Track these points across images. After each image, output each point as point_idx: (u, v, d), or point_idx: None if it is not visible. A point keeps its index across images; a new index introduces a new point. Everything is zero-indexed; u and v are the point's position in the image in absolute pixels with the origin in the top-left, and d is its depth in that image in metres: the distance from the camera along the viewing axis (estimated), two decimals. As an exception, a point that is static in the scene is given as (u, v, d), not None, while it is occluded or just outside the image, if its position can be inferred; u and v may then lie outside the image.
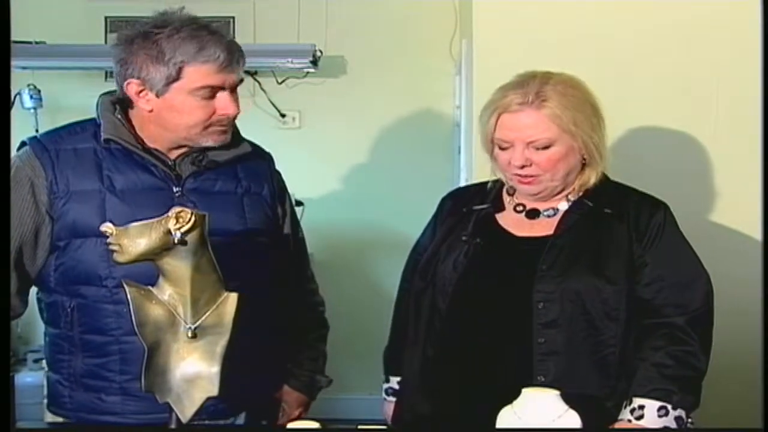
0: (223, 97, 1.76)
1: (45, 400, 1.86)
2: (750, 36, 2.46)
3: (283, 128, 3.88)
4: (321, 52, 3.72)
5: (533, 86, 1.80)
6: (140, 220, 1.48)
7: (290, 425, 1.55)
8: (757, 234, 2.50)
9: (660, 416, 1.71)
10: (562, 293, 1.77)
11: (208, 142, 1.80)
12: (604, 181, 1.87)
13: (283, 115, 3.89)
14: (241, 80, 1.81)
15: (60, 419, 1.83)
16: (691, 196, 2.58)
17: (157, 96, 1.75)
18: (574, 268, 1.78)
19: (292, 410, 1.98)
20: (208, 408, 1.59)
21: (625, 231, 1.81)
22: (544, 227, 1.85)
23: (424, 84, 3.83)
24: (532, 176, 1.81)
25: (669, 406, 1.72)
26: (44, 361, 1.89)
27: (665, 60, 2.58)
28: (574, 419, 1.54)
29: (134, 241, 1.45)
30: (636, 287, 1.79)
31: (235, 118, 1.81)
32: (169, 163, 1.81)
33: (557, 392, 1.56)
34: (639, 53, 2.58)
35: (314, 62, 3.69)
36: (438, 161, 3.76)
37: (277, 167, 2.00)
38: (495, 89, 1.85)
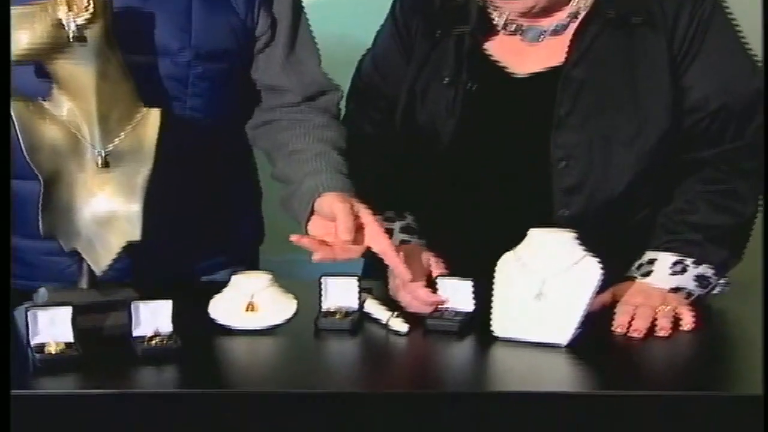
0: None
1: None
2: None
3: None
4: None
5: None
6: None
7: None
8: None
9: (674, 273, 1.38)
10: (589, 145, 1.41)
11: None
12: None
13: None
14: None
15: None
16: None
17: None
18: (602, 107, 1.41)
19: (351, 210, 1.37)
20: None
21: (663, 43, 1.42)
22: (552, 52, 1.45)
23: None
24: None
25: (688, 261, 1.38)
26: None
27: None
28: (592, 267, 1.25)
29: (12, 35, 1.12)
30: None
31: None
32: None
33: (573, 233, 1.27)
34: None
35: None
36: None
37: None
38: None
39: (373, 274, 1.43)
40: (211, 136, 1.44)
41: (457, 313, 1.28)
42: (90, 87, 1.19)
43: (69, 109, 1.21)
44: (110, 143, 1.22)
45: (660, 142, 1.43)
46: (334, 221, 1.27)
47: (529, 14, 1.44)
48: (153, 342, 1.15)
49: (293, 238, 1.27)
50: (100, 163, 1.22)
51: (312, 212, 1.33)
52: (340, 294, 1.29)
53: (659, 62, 1.42)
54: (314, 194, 1.33)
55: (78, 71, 1.18)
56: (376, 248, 1.28)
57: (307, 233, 1.33)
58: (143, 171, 1.23)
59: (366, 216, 1.29)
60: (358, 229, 1.28)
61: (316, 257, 1.27)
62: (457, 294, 1.29)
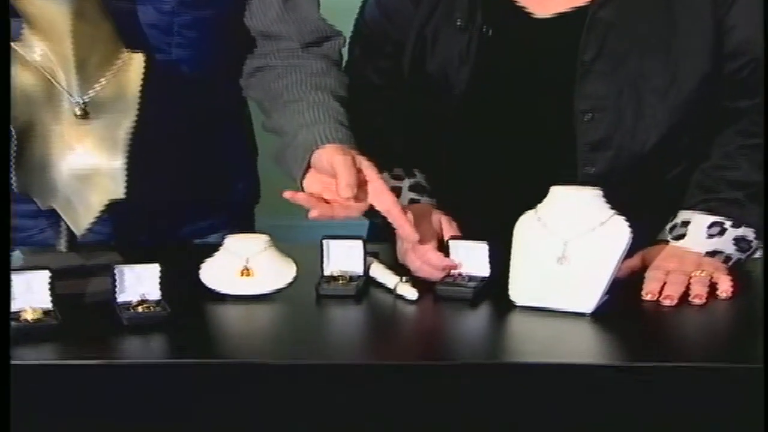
0: None
1: None
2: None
3: None
4: None
5: None
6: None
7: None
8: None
9: (710, 236, 1.30)
10: (618, 95, 1.35)
11: None
12: None
13: None
14: None
15: None
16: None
17: None
18: (632, 54, 1.34)
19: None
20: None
21: None
22: None
23: None
24: None
25: (726, 222, 1.31)
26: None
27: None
28: (620, 228, 1.18)
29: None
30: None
31: None
32: None
33: (599, 191, 1.20)
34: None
35: None
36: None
37: None
38: None
39: (379, 236, 1.37)
40: (199, 90, 1.36)
41: (471, 278, 1.22)
42: (65, 27, 1.12)
43: (42, 52, 1.14)
44: (89, 91, 1.16)
45: (698, 91, 1.35)
46: (333, 176, 1.19)
47: None
48: (139, 309, 1.09)
49: (287, 194, 1.18)
50: (78, 113, 1.16)
51: (308, 166, 1.25)
52: (344, 258, 1.23)
53: None
54: (311, 146, 1.24)
55: (51, 8, 1.11)
56: (380, 207, 1.20)
57: (302, 189, 1.25)
58: (126, 122, 1.16)
59: (369, 171, 1.21)
60: (360, 185, 1.20)
61: (312, 214, 1.19)
62: (471, 258, 1.23)
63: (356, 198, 1.18)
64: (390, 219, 1.21)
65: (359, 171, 1.20)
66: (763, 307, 1.18)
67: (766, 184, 1.30)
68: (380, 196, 1.20)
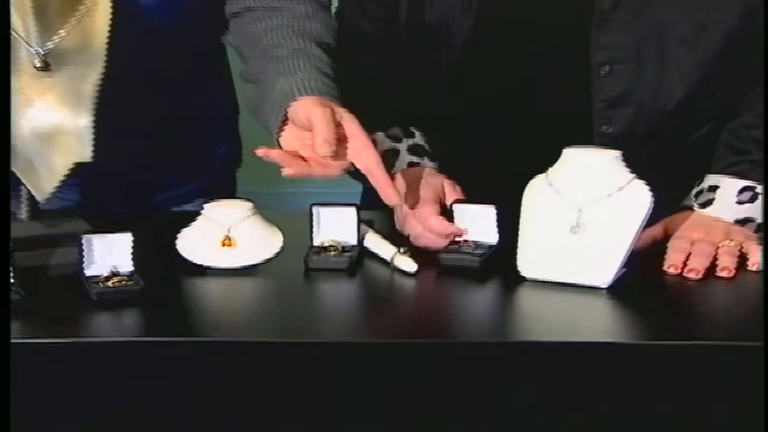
0: None
1: None
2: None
3: None
4: None
5: None
6: None
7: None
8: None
9: (741, 202, 1.25)
10: (638, 45, 1.29)
11: None
12: None
13: None
14: None
15: None
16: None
17: None
18: (655, 2, 1.28)
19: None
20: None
21: None
22: None
23: None
24: None
25: (758, 187, 1.25)
26: None
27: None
28: (640, 194, 1.12)
29: None
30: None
31: None
32: None
33: (617, 153, 1.14)
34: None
35: None
36: None
37: None
38: None
39: (374, 203, 1.28)
40: (171, 41, 1.29)
41: (477, 246, 1.15)
42: (20, -31, 1.05)
43: (-4, -3, 1.06)
44: (50, 40, 1.09)
45: (727, 43, 1.28)
46: (311, 131, 1.12)
47: None
48: (110, 283, 1.04)
49: (260, 151, 1.11)
50: (38, 65, 1.09)
51: (286, 120, 1.17)
52: (335, 227, 1.17)
53: None
54: (288, 98, 1.16)
55: (4, -53, 1.04)
56: (361, 165, 1.13)
57: (279, 145, 1.18)
58: (92, 75, 1.09)
59: (350, 125, 1.12)
60: (341, 141, 1.12)
61: (286, 172, 1.11)
62: (477, 223, 1.16)
63: (336, 155, 1.11)
64: (371, 180, 1.13)
65: (339, 125, 1.12)
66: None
67: (765, 178, 1.24)
68: (361, 154, 1.12)
